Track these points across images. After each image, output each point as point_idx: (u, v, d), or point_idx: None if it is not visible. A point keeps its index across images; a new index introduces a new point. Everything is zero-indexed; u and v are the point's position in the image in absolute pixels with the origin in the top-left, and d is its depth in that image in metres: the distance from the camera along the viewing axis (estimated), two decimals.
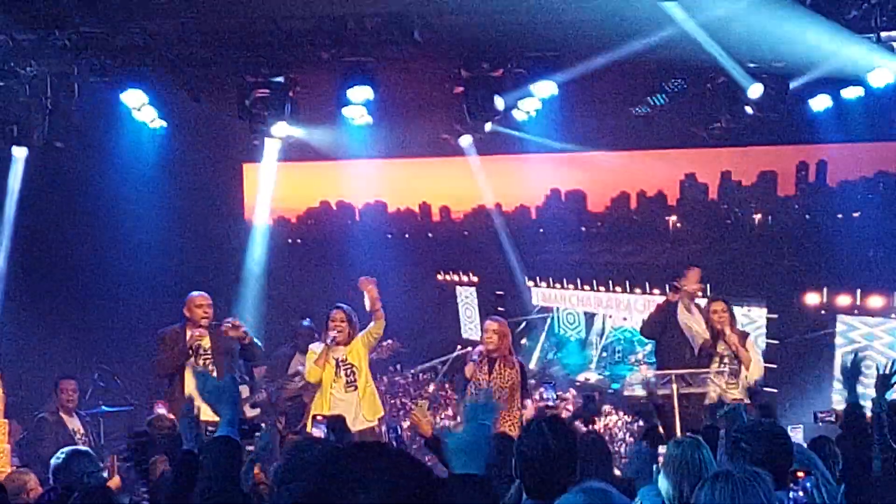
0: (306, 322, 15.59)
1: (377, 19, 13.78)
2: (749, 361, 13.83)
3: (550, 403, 12.01)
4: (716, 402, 13.07)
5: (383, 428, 13.36)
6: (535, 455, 6.10)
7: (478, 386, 13.20)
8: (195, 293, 13.67)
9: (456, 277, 19.22)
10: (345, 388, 13.43)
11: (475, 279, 19.17)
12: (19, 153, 15.70)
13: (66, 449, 10.00)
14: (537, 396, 13.13)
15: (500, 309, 17.06)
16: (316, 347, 13.64)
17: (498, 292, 17.74)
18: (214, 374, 13.15)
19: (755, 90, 14.64)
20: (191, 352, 13.38)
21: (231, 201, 17.40)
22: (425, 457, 11.04)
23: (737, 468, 5.50)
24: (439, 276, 19.40)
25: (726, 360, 13.87)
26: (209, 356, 13.43)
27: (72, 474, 8.96)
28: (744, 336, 14.13)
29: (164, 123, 15.58)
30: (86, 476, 8.81)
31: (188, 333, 13.43)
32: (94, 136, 15.84)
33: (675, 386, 13.51)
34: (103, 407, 15.04)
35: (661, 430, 13.00)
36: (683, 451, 7.17)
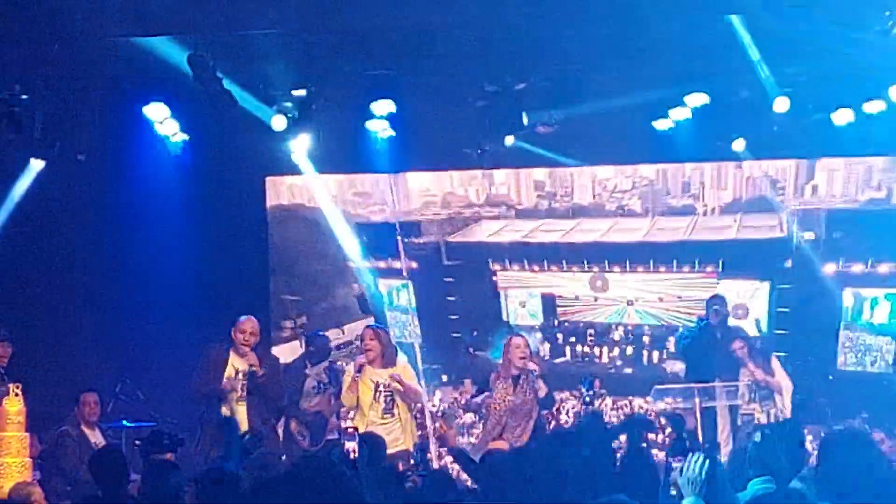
0: (320, 333, 15.55)
1: (400, 33, 13.78)
2: (780, 386, 13.80)
3: (588, 399, 11.91)
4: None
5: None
6: (545, 472, 6.09)
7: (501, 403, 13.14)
8: (244, 318, 13.47)
9: None
10: (382, 415, 13.24)
11: None
12: (36, 165, 15.65)
13: None
14: (575, 392, 13.06)
15: None
16: (348, 369, 13.57)
17: None
18: (240, 397, 13.11)
19: (781, 105, 14.59)
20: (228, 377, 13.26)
21: (254, 215, 17.37)
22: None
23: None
24: None
25: (753, 386, 13.92)
26: (241, 380, 13.28)
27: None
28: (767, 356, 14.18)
29: (186, 137, 15.60)
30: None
31: (231, 356, 13.28)
32: (116, 150, 15.85)
33: (697, 399, 13.50)
34: (125, 422, 15.01)
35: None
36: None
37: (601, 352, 15.22)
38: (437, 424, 11.57)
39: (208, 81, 13.76)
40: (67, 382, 15.00)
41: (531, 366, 13.01)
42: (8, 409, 13.25)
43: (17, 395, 13.33)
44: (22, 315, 15.67)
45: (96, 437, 14.14)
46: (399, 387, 13.17)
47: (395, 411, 13.28)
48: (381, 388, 13.27)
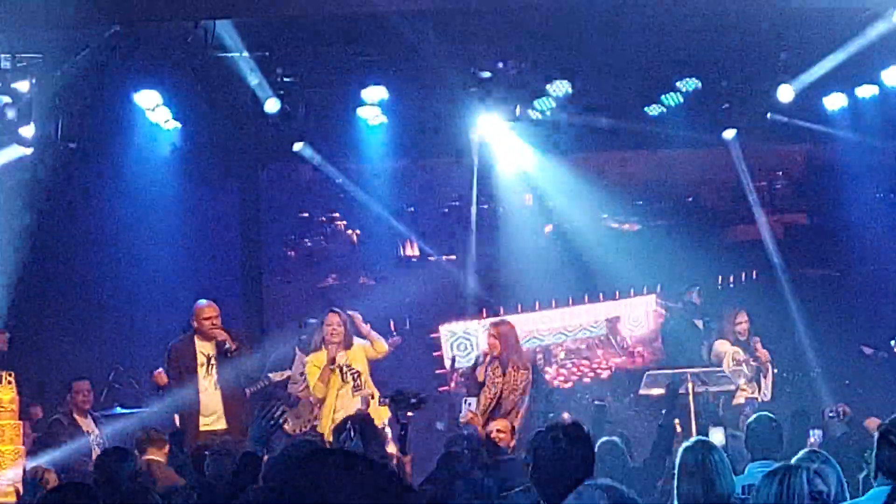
0: (313, 321, 15.51)
1: (392, 19, 13.75)
2: (767, 367, 13.88)
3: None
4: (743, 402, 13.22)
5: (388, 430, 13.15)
6: (549, 459, 6.07)
7: (494, 389, 13.32)
8: (203, 302, 13.41)
9: None
10: (352, 392, 13.42)
11: None
12: (19, 151, 15.46)
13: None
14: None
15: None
16: (314, 359, 13.59)
17: None
18: (215, 382, 13.13)
19: (785, 93, 14.60)
20: (200, 365, 13.21)
21: (246, 203, 17.36)
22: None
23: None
24: None
25: (743, 364, 13.93)
26: (212, 364, 13.27)
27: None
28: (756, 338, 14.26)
29: (178, 124, 15.55)
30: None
31: (196, 344, 13.22)
32: (107, 138, 15.81)
33: (690, 384, 13.49)
34: (118, 408, 14.99)
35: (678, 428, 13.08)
36: (695, 456, 7.15)
37: None
38: (466, 410, 11.73)
39: (201, 68, 13.75)
40: (60, 370, 14.97)
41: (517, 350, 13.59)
42: (1, 397, 13.24)
43: (9, 383, 13.32)
44: (14, 303, 15.65)
45: (88, 425, 14.11)
46: (360, 326, 13.63)
47: (362, 388, 13.47)
48: (345, 368, 13.46)
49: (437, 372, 17.48)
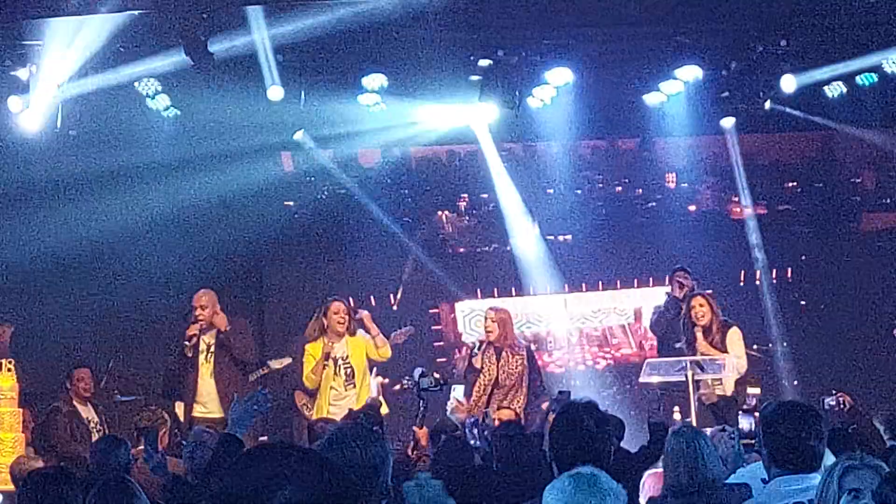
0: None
1: (390, 5, 13.73)
2: (723, 361, 13.54)
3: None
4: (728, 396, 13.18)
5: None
6: (569, 437, 6.08)
7: (490, 375, 13.43)
8: (200, 291, 13.75)
9: None
10: (344, 386, 13.55)
11: None
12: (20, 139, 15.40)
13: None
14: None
15: None
16: (311, 349, 13.68)
17: None
18: (212, 371, 13.31)
19: (788, 83, 14.62)
20: (188, 348, 13.50)
21: (245, 190, 17.34)
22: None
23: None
24: None
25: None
26: (211, 352, 13.48)
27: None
28: (725, 327, 13.97)
29: (178, 112, 15.51)
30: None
31: (191, 329, 13.58)
32: (107, 124, 15.77)
33: (689, 372, 13.48)
34: (118, 396, 15.00)
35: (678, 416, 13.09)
36: (681, 442, 7.18)
37: None
38: (452, 398, 11.77)
39: (200, 56, 13.73)
40: (61, 358, 14.98)
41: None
42: (1, 384, 13.24)
43: (9, 370, 13.32)
44: (15, 292, 15.66)
45: (89, 413, 14.11)
46: (370, 326, 13.67)
47: (356, 381, 13.59)
48: (339, 361, 13.58)
49: (435, 345, 17.68)
